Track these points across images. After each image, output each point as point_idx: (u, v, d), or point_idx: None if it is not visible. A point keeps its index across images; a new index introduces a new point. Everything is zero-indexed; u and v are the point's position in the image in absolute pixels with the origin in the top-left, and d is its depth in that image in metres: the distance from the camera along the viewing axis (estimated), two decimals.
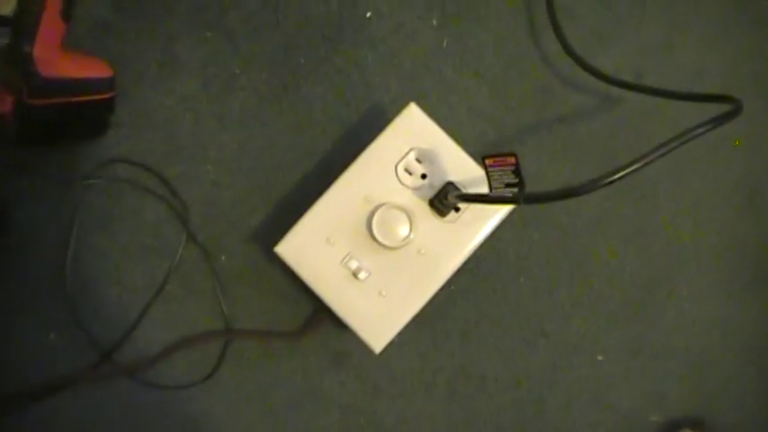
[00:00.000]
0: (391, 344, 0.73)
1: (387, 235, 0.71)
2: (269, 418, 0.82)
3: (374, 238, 0.71)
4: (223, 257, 0.82)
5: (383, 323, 0.73)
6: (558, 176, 0.85)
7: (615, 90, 0.83)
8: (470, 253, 0.73)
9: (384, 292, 0.72)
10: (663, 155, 0.51)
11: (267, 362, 0.82)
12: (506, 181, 0.61)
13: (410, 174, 0.73)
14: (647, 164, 0.51)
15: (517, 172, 0.59)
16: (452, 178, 0.73)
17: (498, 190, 0.62)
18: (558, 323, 0.84)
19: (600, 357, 0.85)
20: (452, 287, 0.83)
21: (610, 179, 0.51)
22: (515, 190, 0.60)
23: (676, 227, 0.87)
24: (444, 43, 0.86)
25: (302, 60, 0.85)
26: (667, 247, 0.86)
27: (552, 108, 0.86)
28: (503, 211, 0.73)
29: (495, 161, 0.61)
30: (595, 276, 0.85)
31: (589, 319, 0.85)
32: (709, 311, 0.87)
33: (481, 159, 0.62)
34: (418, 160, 0.73)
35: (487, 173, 0.62)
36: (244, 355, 0.82)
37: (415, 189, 0.73)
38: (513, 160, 0.59)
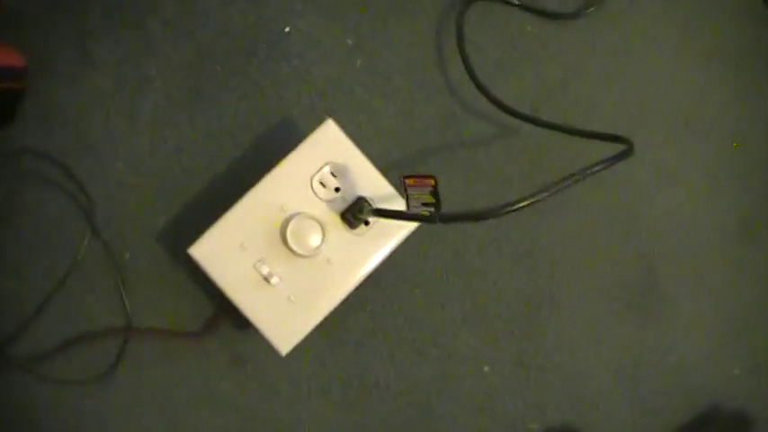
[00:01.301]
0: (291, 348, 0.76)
1: (299, 243, 0.74)
2: (165, 418, 0.83)
3: (287, 246, 0.74)
4: (127, 255, 0.83)
5: (291, 327, 0.75)
6: (455, 197, 0.90)
7: (513, 121, 0.89)
8: (376, 265, 0.77)
9: (293, 298, 0.75)
10: (565, 188, 0.57)
11: (166, 361, 0.83)
12: (423, 200, 0.65)
13: (324, 186, 0.76)
14: (552, 194, 0.57)
15: (435, 193, 0.64)
16: (364, 193, 0.77)
17: (415, 208, 0.66)
18: (448, 335, 0.90)
19: (486, 368, 0.91)
20: (350, 297, 0.86)
21: (520, 205, 0.56)
22: (432, 209, 0.65)
23: (559, 251, 0.94)
24: (357, 63, 0.90)
25: (218, 68, 0.87)
26: (551, 270, 0.93)
27: (454, 132, 0.92)
28: (409, 227, 0.78)
29: (415, 181, 0.65)
30: (484, 293, 0.91)
31: (477, 332, 0.90)
32: (586, 331, 0.94)
33: (401, 178, 0.66)
34: (333, 174, 0.77)
35: (406, 191, 0.66)
36: (143, 353, 0.83)
37: (329, 201, 0.76)
38: (431, 182, 0.64)
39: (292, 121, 0.88)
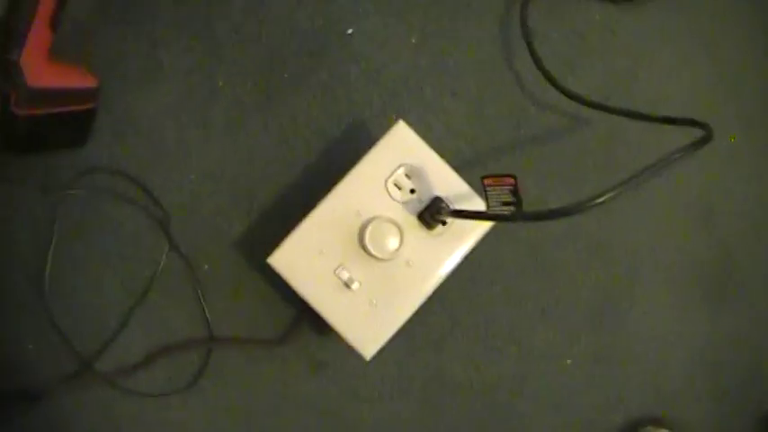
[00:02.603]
0: None
1: (378, 247, 0.74)
2: (249, 425, 0.84)
3: (365, 250, 0.74)
4: (206, 266, 0.84)
5: (374, 332, 0.75)
6: (529, 194, 0.89)
7: (583, 112, 0.87)
8: (456, 264, 0.77)
9: (375, 302, 0.75)
10: (647, 178, 0.56)
11: (248, 369, 0.84)
12: (503, 199, 0.64)
13: (399, 189, 0.76)
14: (635, 185, 0.55)
15: (515, 192, 0.63)
16: (440, 193, 0.76)
17: (495, 208, 0.65)
18: (527, 331, 0.89)
19: (569, 361, 0.89)
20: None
21: (603, 198, 0.54)
22: (512, 208, 0.64)
23: (635, 241, 0.92)
24: (423, 62, 0.89)
25: (286, 75, 0.87)
26: (628, 261, 0.92)
27: (525, 128, 0.91)
28: (486, 226, 0.77)
29: (493, 181, 0.64)
30: (561, 287, 0.90)
31: (556, 327, 0.89)
32: (666, 322, 0.93)
33: (480, 180, 0.65)
34: (407, 176, 0.76)
35: (486, 192, 0.65)
36: (225, 363, 0.84)
37: (404, 203, 0.76)
38: (511, 181, 0.63)
39: (364, 122, 0.88)
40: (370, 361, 0.76)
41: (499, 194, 0.65)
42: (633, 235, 0.93)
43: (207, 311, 0.83)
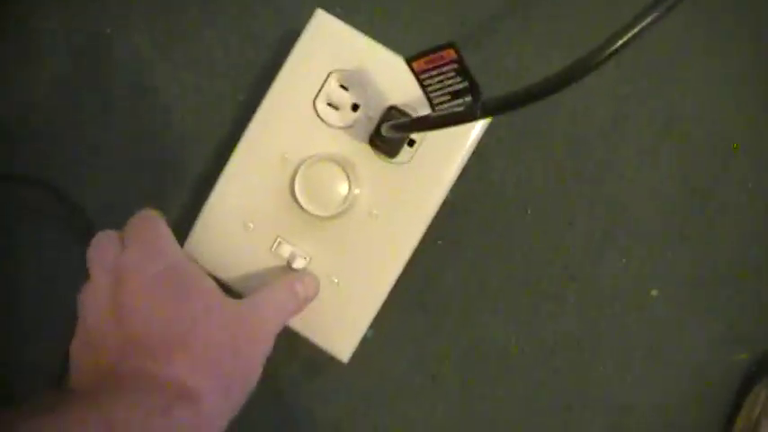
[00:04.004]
0: (369, 339, 0.56)
1: (319, 201, 0.51)
2: None
3: (304, 209, 0.51)
4: None
5: (345, 320, 0.53)
6: (550, 71, 0.63)
7: None
8: (442, 198, 0.53)
9: (336, 278, 0.52)
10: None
11: None
12: (452, 88, 0.39)
13: (335, 108, 0.52)
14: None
15: (462, 70, 0.38)
16: (395, 100, 0.51)
17: (443, 105, 0.40)
18: (588, 261, 0.63)
19: (654, 292, 0.63)
20: (439, 242, 0.61)
21: (615, 45, 0.31)
22: (467, 98, 0.39)
23: (709, 115, 0.64)
24: None
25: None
26: (708, 140, 0.64)
27: None
28: (474, 130, 0.52)
29: (427, 62, 0.39)
30: (623, 191, 0.63)
31: (628, 245, 0.63)
32: None
33: (407, 64, 0.40)
34: (343, 87, 0.52)
35: (420, 83, 0.40)
36: None
37: (347, 128, 0.52)
38: (451, 54, 0.38)
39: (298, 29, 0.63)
40: (376, 350, 0.57)
41: (443, 81, 0.40)
42: (705, 104, 0.64)
43: None
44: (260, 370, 0.45)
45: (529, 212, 0.62)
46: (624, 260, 0.62)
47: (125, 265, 0.44)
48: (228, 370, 0.43)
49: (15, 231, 0.64)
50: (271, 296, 0.48)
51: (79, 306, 0.45)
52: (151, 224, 0.46)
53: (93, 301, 0.44)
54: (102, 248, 0.45)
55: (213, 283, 0.45)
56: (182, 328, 0.42)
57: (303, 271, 0.52)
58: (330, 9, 0.55)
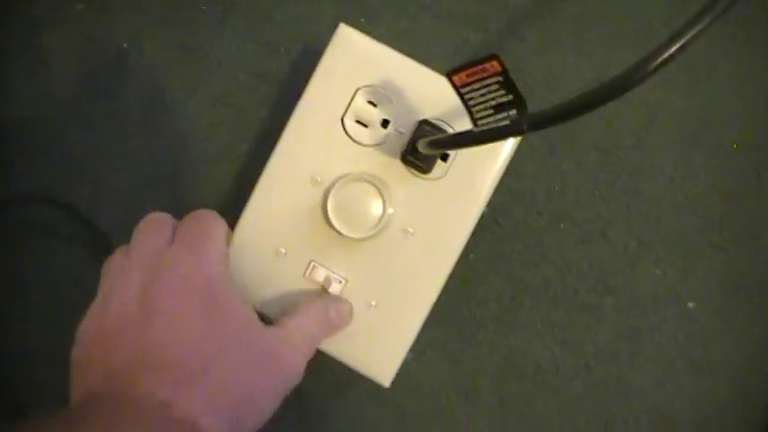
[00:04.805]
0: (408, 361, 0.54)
1: (353, 222, 0.50)
2: None
3: (338, 232, 0.49)
4: None
5: (385, 343, 0.51)
6: (578, 78, 0.61)
7: None
8: (479, 213, 0.51)
9: (374, 301, 0.51)
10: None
11: None
12: (495, 101, 0.38)
13: (365, 125, 0.51)
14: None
15: (507, 83, 0.36)
16: (426, 114, 0.50)
17: (486, 120, 0.39)
18: (623, 273, 0.61)
19: (691, 305, 0.61)
20: (471, 256, 0.60)
21: (657, 60, 0.30)
22: (513, 112, 0.37)
23: (745, 114, 0.62)
24: None
25: (203, 7, 0.62)
26: (744, 139, 0.62)
27: None
28: (509, 144, 0.51)
29: (468, 75, 0.38)
30: (660, 199, 0.61)
31: (663, 256, 0.61)
32: None
33: (447, 78, 0.39)
34: (371, 103, 0.50)
35: (462, 97, 0.39)
36: None
37: (378, 145, 0.51)
38: (496, 67, 0.36)
39: (321, 43, 0.61)
40: (411, 368, 0.56)
41: (486, 95, 0.38)
42: (740, 102, 0.63)
43: None
44: (277, 404, 0.44)
45: (561, 225, 0.61)
46: (659, 271, 0.61)
47: (167, 261, 0.42)
48: (243, 411, 0.41)
49: (26, 249, 0.62)
50: (303, 324, 0.46)
51: (103, 280, 0.43)
52: (208, 227, 0.45)
53: (123, 285, 0.41)
54: (152, 231, 0.43)
55: (247, 307, 0.43)
56: (206, 353, 0.40)
57: (336, 297, 0.50)
58: (352, 19, 0.54)
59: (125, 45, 0.63)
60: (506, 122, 0.37)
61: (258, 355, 0.42)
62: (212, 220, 0.45)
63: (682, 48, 0.30)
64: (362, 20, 0.61)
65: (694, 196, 0.61)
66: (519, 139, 0.51)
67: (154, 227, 0.44)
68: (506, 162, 0.51)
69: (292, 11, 0.62)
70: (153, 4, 0.63)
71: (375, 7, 0.61)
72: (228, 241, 0.47)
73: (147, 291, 0.40)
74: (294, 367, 0.44)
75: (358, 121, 0.51)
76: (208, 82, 0.62)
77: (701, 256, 0.61)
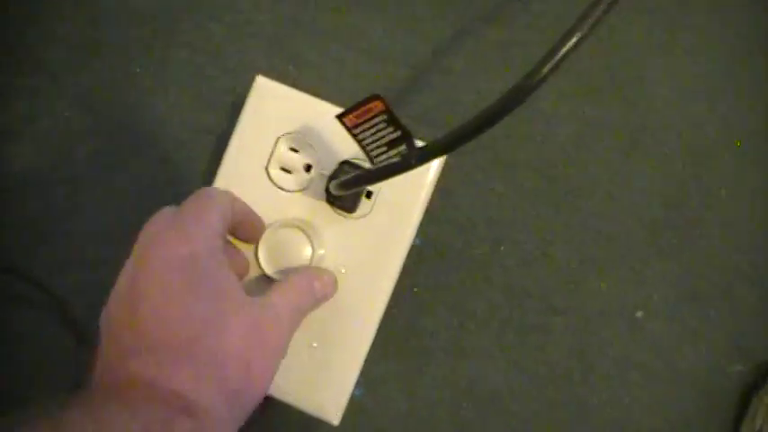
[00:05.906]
0: (358, 397, 0.56)
1: (285, 268, 0.50)
2: None
3: (271, 278, 0.50)
4: None
5: (329, 383, 0.52)
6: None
7: None
8: (408, 245, 0.52)
9: (315, 343, 0.51)
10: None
11: None
12: (387, 138, 0.39)
13: (288, 172, 0.52)
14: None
15: (393, 120, 0.38)
16: (346, 154, 0.51)
17: (381, 157, 0.40)
18: (569, 290, 0.62)
19: (639, 314, 0.62)
20: (415, 289, 0.61)
21: (554, 59, 0.33)
22: (402, 148, 0.38)
23: (679, 120, 0.64)
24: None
25: (138, 70, 0.64)
26: (678, 148, 0.63)
27: (473, 8, 0.64)
28: (430, 172, 0.52)
29: (357, 116, 0.39)
30: (599, 213, 0.62)
31: (608, 270, 0.62)
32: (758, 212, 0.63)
33: (339, 120, 0.40)
34: (293, 149, 0.52)
35: (355, 137, 0.40)
36: None
37: (303, 189, 0.52)
38: (379, 106, 0.38)
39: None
40: (366, 405, 0.57)
41: (377, 134, 0.40)
42: (666, 117, 0.64)
43: None
44: (271, 378, 0.43)
45: (502, 248, 0.62)
46: (604, 284, 0.61)
47: (152, 238, 0.42)
48: (235, 384, 0.41)
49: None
50: (288, 296, 0.46)
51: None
52: (202, 204, 0.44)
53: (122, 275, 0.42)
54: (153, 222, 0.43)
55: (233, 280, 0.43)
56: (191, 331, 0.40)
57: (320, 268, 0.51)
58: (281, 67, 0.55)
59: (66, 114, 0.64)
60: (398, 159, 0.38)
61: (244, 327, 0.42)
62: (205, 198, 0.45)
63: (560, 61, 0.31)
64: (290, 67, 0.63)
65: (634, 206, 0.62)
66: (439, 167, 0.52)
67: (156, 218, 0.44)
68: (429, 192, 0.52)
69: (224, 64, 0.64)
70: (93, 69, 0.64)
71: (301, 53, 0.63)
72: (236, 208, 0.47)
73: (135, 278, 0.41)
74: (281, 339, 0.45)
75: (282, 168, 0.52)
76: (152, 140, 0.63)
77: (647, 265, 0.62)
